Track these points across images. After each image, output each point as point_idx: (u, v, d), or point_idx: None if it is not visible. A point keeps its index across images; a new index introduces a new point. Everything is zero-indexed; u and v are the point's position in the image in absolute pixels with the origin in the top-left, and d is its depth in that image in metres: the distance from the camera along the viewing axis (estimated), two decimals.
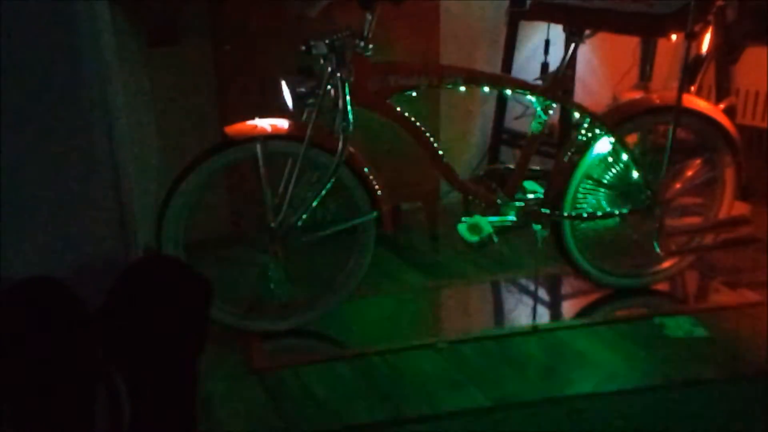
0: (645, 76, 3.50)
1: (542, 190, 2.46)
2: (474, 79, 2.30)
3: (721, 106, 2.55)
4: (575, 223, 2.47)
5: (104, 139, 1.69)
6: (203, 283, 1.67)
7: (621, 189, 2.48)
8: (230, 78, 2.83)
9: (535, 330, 2.37)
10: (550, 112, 2.41)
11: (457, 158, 2.44)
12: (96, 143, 1.67)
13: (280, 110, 2.16)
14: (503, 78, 2.36)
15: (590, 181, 2.46)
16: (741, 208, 2.63)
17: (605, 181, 2.48)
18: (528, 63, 3.39)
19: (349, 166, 2.20)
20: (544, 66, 3.21)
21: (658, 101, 2.45)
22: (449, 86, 2.29)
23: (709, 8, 2.32)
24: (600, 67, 3.52)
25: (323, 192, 2.16)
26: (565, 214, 2.42)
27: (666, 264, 2.64)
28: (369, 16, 2.11)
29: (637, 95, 2.77)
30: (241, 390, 2.08)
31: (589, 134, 2.40)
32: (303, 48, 2.07)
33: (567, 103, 2.51)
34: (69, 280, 1.56)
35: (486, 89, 2.32)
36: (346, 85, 2.10)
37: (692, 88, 2.59)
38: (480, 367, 2.17)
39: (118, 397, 1.64)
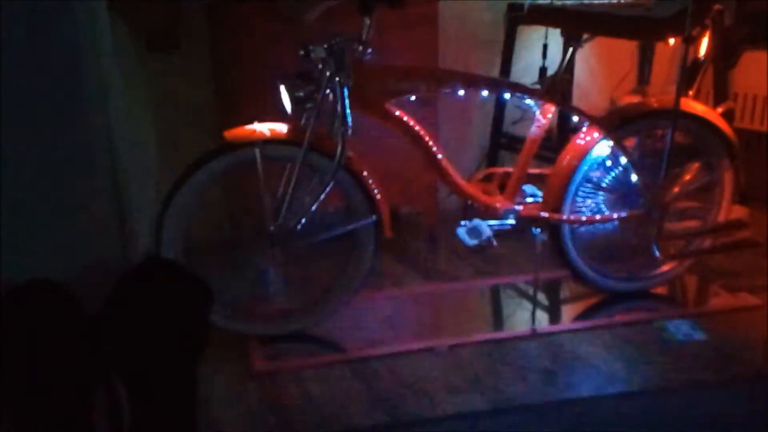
0: (643, 80, 3.51)
1: (541, 194, 2.47)
2: (472, 83, 2.30)
3: (719, 109, 2.55)
4: (574, 226, 2.48)
5: (103, 143, 1.69)
6: (203, 287, 1.68)
7: (619, 193, 2.49)
8: (229, 82, 2.83)
9: (534, 333, 2.38)
10: (549, 116, 2.42)
11: (455, 162, 2.44)
12: (95, 147, 1.67)
13: (278, 114, 2.16)
14: (501, 82, 2.37)
15: (589, 185, 2.47)
16: (739, 212, 2.64)
17: (604, 185, 2.49)
18: (526, 67, 3.39)
19: (348, 170, 2.20)
20: (543, 70, 3.21)
21: (656, 105, 2.45)
22: (447, 90, 2.29)
23: (706, 12, 2.33)
24: (598, 71, 3.53)
25: (322, 196, 2.16)
26: (564, 217, 2.43)
27: (665, 267, 2.64)
28: (367, 21, 2.11)
29: (635, 99, 2.78)
30: (241, 394, 2.08)
31: (588, 138, 2.40)
32: (301, 52, 2.08)
33: (565, 107, 2.51)
34: (69, 283, 1.56)
35: (484, 93, 2.32)
36: (345, 89, 2.10)
37: (690, 92, 2.60)
38: (479, 371, 2.17)
39: (118, 401, 1.64)
